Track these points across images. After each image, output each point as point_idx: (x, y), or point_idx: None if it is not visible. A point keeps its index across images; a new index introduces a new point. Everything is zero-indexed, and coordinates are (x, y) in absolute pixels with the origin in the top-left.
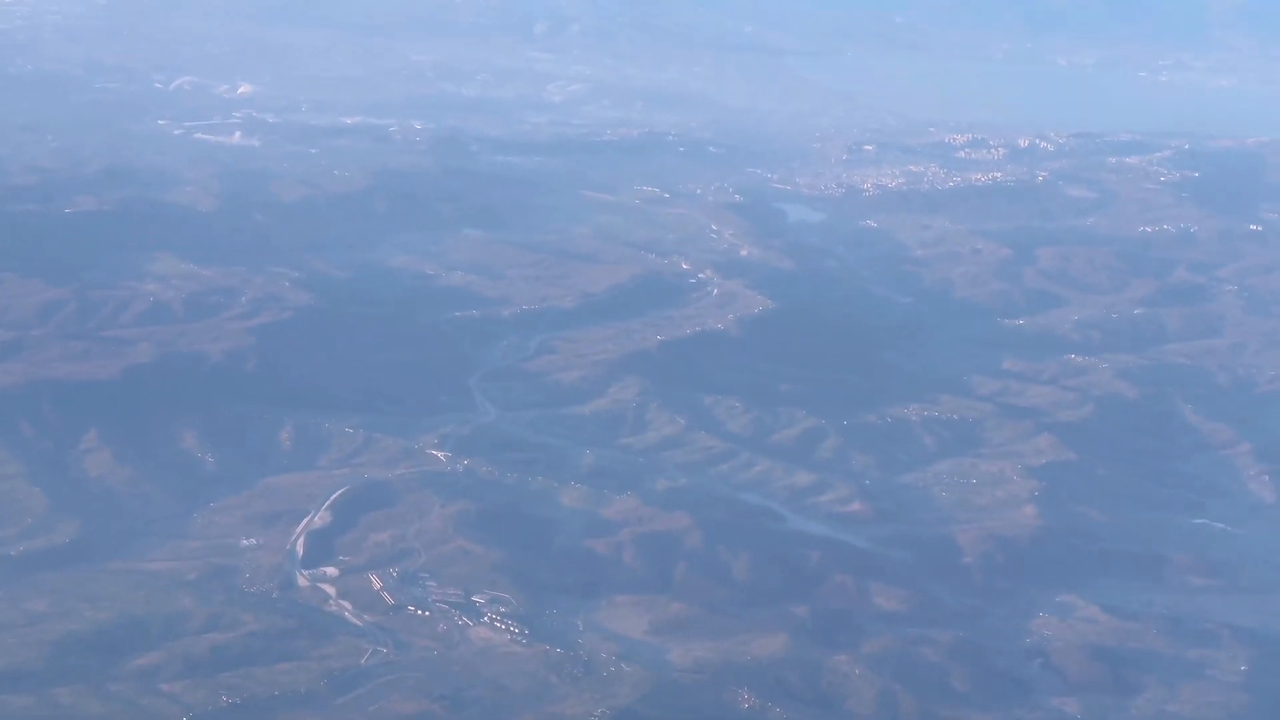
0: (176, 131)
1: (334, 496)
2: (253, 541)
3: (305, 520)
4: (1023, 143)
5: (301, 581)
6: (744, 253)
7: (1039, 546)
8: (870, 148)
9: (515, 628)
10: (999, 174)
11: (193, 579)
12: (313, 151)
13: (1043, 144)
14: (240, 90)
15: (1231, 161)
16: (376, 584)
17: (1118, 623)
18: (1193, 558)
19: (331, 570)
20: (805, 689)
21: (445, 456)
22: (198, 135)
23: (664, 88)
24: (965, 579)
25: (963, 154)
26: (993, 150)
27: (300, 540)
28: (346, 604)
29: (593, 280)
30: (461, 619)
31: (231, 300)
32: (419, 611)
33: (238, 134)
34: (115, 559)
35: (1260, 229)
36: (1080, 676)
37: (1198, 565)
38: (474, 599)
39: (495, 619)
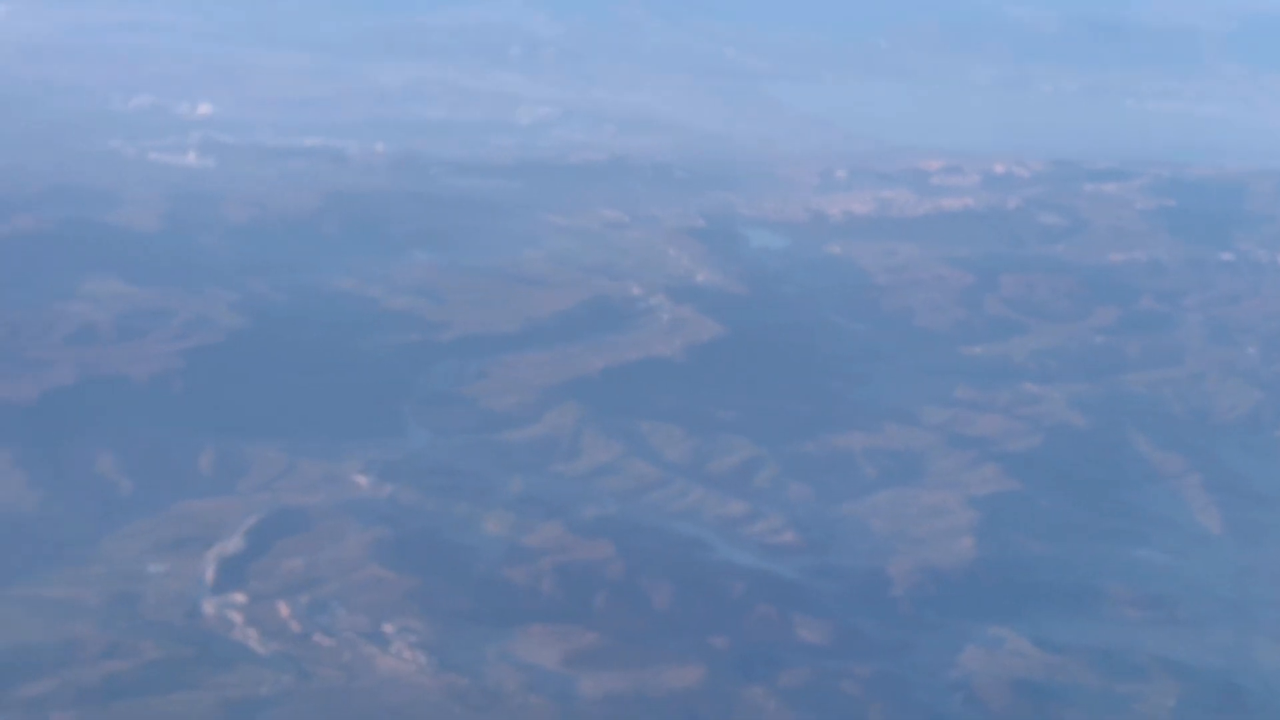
0: (129, 151)
1: (249, 522)
2: (161, 567)
3: (217, 546)
4: (998, 169)
5: (207, 608)
6: (700, 278)
7: (973, 578)
8: (842, 173)
9: (423, 657)
10: (971, 200)
11: (94, 605)
12: (268, 173)
13: (1019, 170)
14: (200, 110)
15: (1211, 190)
16: (284, 611)
17: (1047, 656)
18: (1131, 590)
19: (239, 597)
20: None
21: (369, 482)
22: (151, 155)
23: (636, 111)
24: (894, 611)
25: (936, 180)
26: (967, 176)
27: (210, 566)
28: (252, 631)
29: (540, 305)
30: (369, 648)
31: (163, 322)
32: (326, 640)
33: (192, 154)
34: (16, 585)
35: (1232, 258)
36: (1002, 710)
37: (1135, 597)
38: (383, 627)
39: (403, 648)
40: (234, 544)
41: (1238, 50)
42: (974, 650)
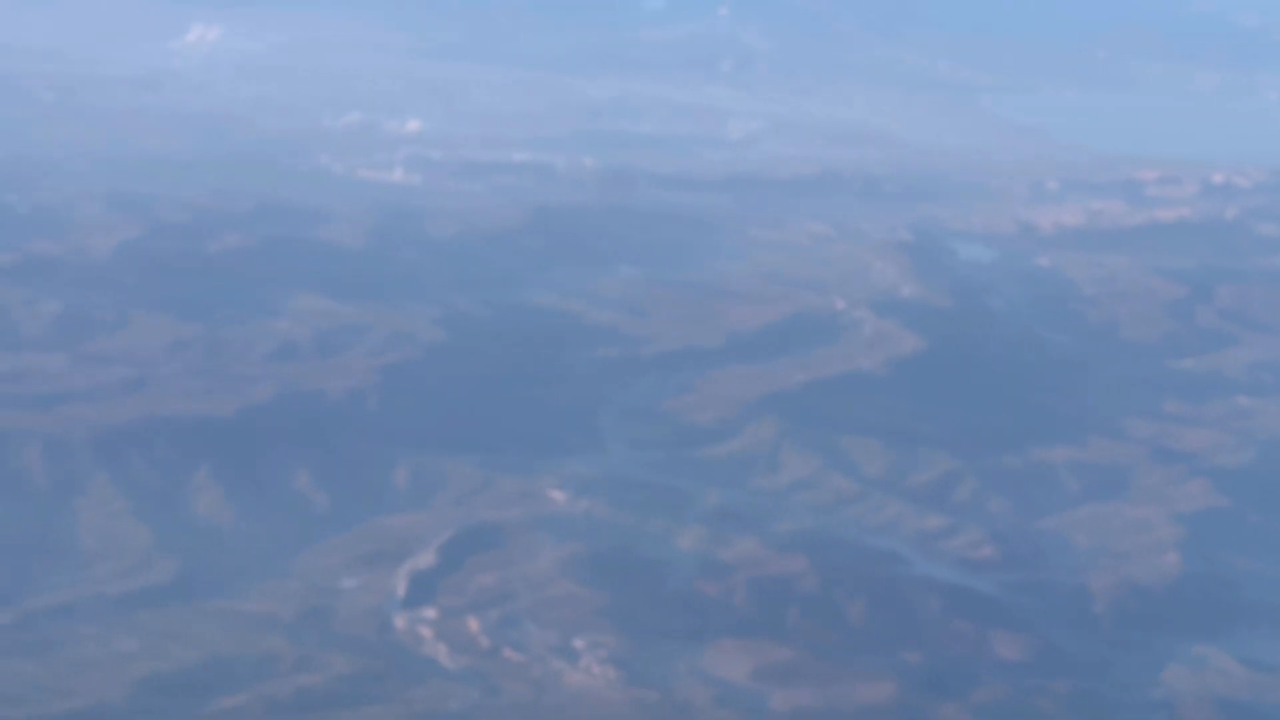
0: (338, 168)
1: (442, 537)
2: (354, 582)
3: (410, 561)
4: (1217, 179)
5: (398, 623)
6: (904, 291)
7: (1178, 595)
8: (1054, 185)
9: (612, 672)
10: (1186, 211)
11: (287, 619)
12: (475, 188)
13: (1238, 180)
14: (409, 127)
15: None
16: (474, 627)
17: (1254, 675)
18: None
19: (430, 612)
20: None
21: (564, 497)
22: (359, 172)
23: (847, 125)
24: (1095, 628)
25: (1151, 191)
26: (1184, 187)
27: (402, 581)
28: (441, 646)
29: (742, 319)
30: (558, 663)
31: (363, 338)
32: (515, 655)
33: (399, 171)
34: (213, 598)
35: None
36: None
37: None
38: (573, 643)
39: (593, 663)
40: (427, 559)
41: None
42: (1178, 669)
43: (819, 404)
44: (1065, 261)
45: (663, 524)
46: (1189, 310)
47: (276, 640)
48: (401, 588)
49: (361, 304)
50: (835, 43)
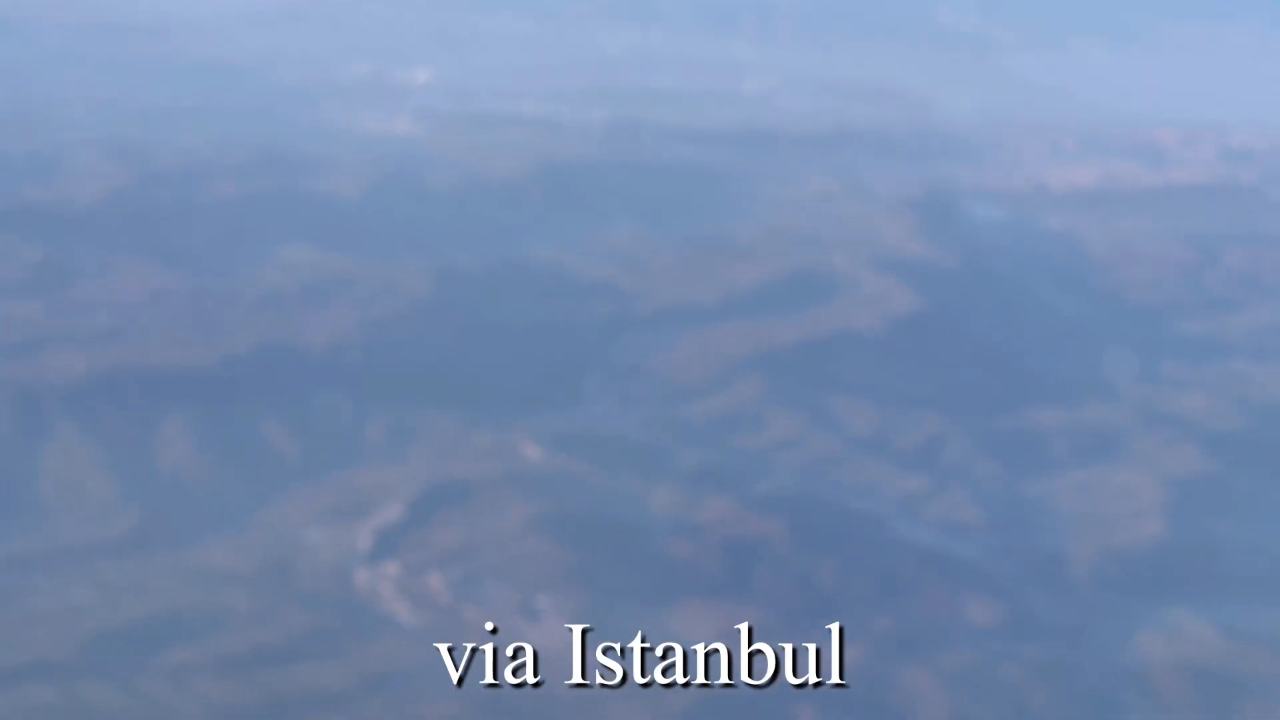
0: (342, 119)
1: (411, 492)
2: (318, 536)
3: (376, 516)
4: (1236, 141)
5: (359, 579)
6: (909, 250)
7: (1159, 562)
8: (1071, 145)
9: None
10: (1203, 173)
11: (247, 573)
12: (480, 141)
13: (1258, 142)
14: (418, 78)
15: None
16: (436, 583)
17: (1229, 644)
18: None
19: (393, 568)
20: (871, 704)
21: (539, 453)
22: (363, 123)
23: (867, 81)
24: (1071, 594)
25: (1170, 153)
26: (1202, 148)
27: (366, 536)
28: (402, 603)
29: (740, 276)
30: (519, 622)
31: (348, 290)
32: (475, 613)
33: (404, 122)
34: (173, 551)
35: None
36: (1176, 698)
37: None
38: (536, 601)
39: (555, 623)
40: (393, 514)
41: None
42: (1152, 636)
43: (809, 363)
44: (1077, 223)
45: (638, 483)
46: (1197, 274)
47: (234, 594)
48: (365, 543)
49: (352, 256)
50: None
